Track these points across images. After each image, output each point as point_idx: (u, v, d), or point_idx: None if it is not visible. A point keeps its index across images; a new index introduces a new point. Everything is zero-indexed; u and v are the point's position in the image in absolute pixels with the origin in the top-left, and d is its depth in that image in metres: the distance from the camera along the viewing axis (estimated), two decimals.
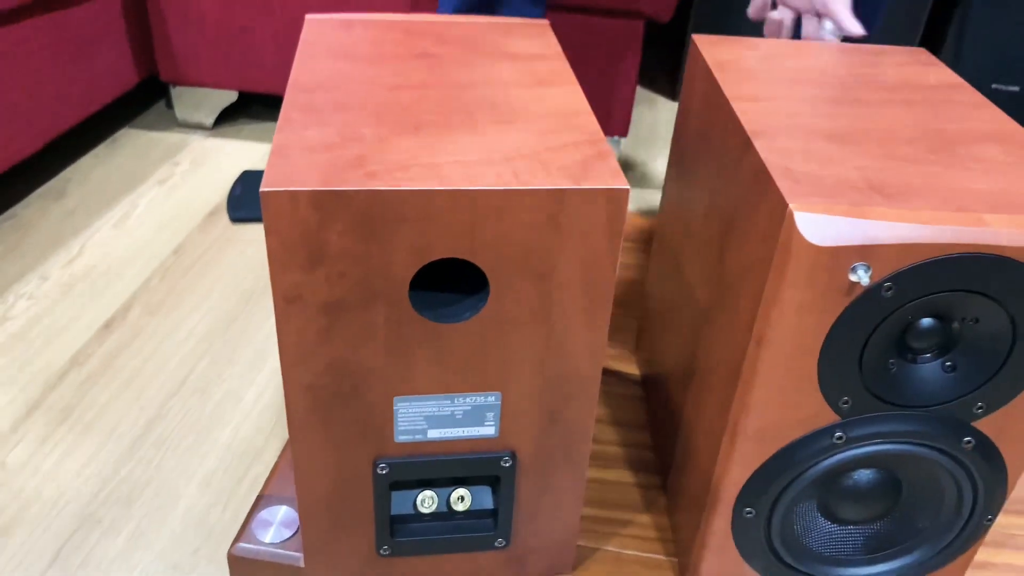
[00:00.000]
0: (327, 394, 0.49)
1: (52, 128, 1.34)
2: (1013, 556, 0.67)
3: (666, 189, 0.72)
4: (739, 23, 1.86)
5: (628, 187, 0.44)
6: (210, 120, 1.64)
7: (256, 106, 1.73)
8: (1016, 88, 1.86)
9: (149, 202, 1.40)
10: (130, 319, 1.12)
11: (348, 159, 0.44)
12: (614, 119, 1.51)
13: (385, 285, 0.44)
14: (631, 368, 0.83)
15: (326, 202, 0.41)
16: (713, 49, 0.62)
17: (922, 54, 0.64)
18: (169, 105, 1.70)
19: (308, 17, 0.63)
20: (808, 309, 0.44)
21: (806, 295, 0.44)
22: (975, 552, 0.57)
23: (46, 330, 1.09)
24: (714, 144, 0.57)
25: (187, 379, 1.03)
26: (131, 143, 1.58)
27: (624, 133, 1.54)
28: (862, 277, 0.42)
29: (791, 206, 0.43)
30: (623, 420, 0.77)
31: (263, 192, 0.41)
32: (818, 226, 0.42)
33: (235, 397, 1.01)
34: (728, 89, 0.56)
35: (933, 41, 1.93)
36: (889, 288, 0.43)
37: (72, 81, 1.37)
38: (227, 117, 1.68)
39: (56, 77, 1.33)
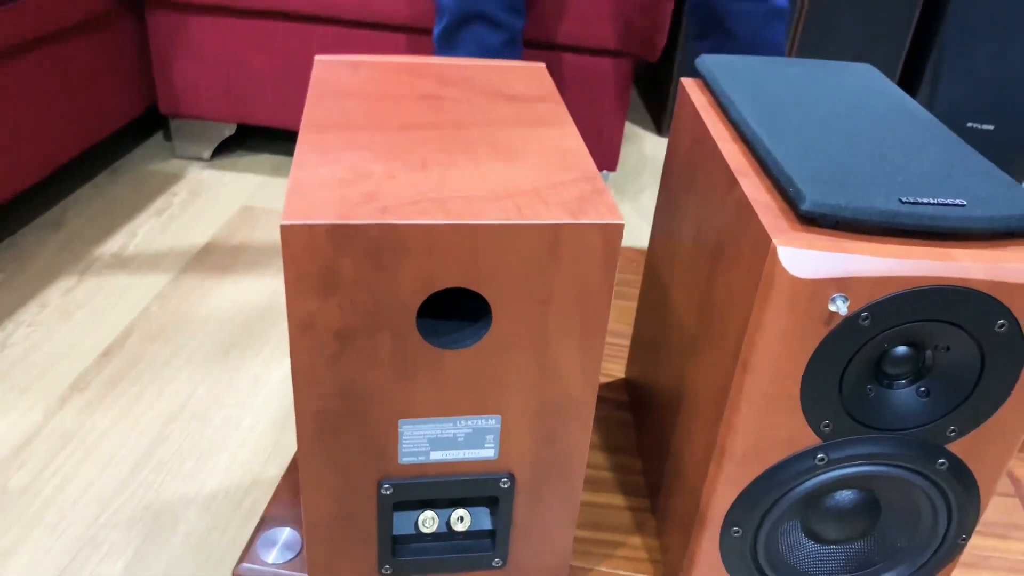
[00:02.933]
0: (336, 417, 0.51)
1: (54, 159, 1.37)
2: None
3: (655, 222, 0.75)
4: None
5: (623, 222, 0.47)
6: (208, 152, 1.67)
7: (253, 139, 1.76)
8: (991, 127, 1.92)
9: (147, 232, 1.42)
10: (129, 346, 1.14)
11: (360, 194, 0.46)
12: (603, 154, 1.56)
13: (393, 313, 0.47)
14: (620, 395, 0.86)
15: (340, 235, 0.44)
16: (699, 93, 0.66)
17: (870, 69, 0.67)
18: (168, 137, 1.74)
19: (317, 58, 0.66)
20: (790, 337, 0.47)
21: (788, 323, 0.47)
22: (951, 571, 0.60)
23: (46, 357, 1.11)
24: (701, 181, 0.61)
25: (186, 405, 1.05)
26: (130, 174, 1.60)
27: (613, 168, 1.58)
28: (840, 307, 0.45)
29: (774, 241, 0.46)
30: (613, 445, 0.80)
31: (283, 226, 0.44)
32: (799, 260, 0.45)
33: (233, 423, 1.03)
34: (714, 130, 0.59)
35: (910, 82, 1.99)
36: (866, 318, 0.46)
37: (74, 113, 1.40)
38: (224, 149, 1.72)
39: (59, 109, 1.36)
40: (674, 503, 0.65)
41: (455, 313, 0.51)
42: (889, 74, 1.95)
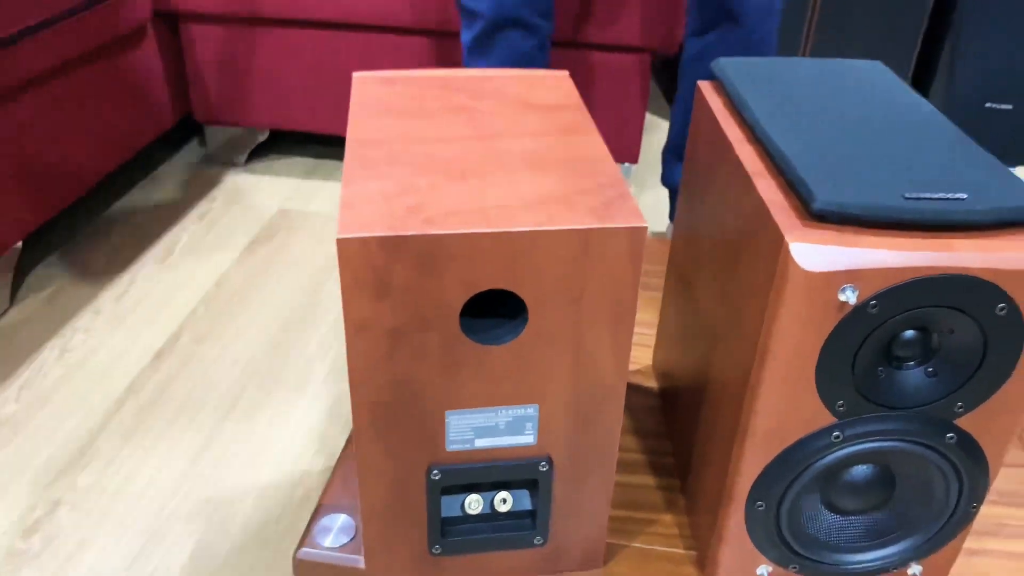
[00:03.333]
0: (389, 409, 0.56)
1: (100, 170, 1.44)
2: (1004, 543, 0.73)
3: (678, 219, 0.80)
4: None
5: (646, 225, 0.51)
6: (242, 158, 1.73)
7: (286, 143, 1.82)
8: (1009, 106, 1.93)
9: (190, 236, 1.48)
10: (179, 348, 1.20)
11: (406, 207, 0.51)
12: (625, 147, 1.59)
13: (439, 313, 0.52)
14: (650, 382, 0.90)
15: (391, 245, 0.49)
16: (715, 95, 0.70)
17: (878, 66, 0.71)
18: (203, 143, 1.80)
19: (355, 75, 0.71)
20: (805, 325, 0.51)
21: (802, 313, 0.51)
22: (965, 538, 0.64)
23: (103, 361, 1.18)
24: (719, 181, 0.65)
25: (237, 402, 1.11)
26: (169, 181, 1.67)
27: (635, 160, 1.61)
28: (850, 297, 0.49)
29: (787, 238, 0.50)
30: (644, 430, 0.84)
31: (339, 239, 0.48)
32: (811, 255, 0.49)
33: (282, 418, 1.08)
34: (730, 133, 0.63)
35: (928, 63, 2.00)
36: (874, 306, 0.50)
37: (117, 124, 1.47)
38: (258, 154, 1.78)
39: (103, 121, 1.43)
40: (702, 482, 0.69)
41: (495, 312, 0.56)
42: (906, 58, 1.97)
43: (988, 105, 1.93)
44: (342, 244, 0.49)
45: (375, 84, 0.69)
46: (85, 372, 1.15)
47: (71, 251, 1.42)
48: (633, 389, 0.90)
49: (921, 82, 2.03)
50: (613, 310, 0.53)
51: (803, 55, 1.98)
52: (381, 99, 0.66)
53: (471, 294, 0.51)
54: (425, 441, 0.58)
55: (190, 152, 1.79)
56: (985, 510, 0.76)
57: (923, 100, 0.65)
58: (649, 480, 0.78)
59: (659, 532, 0.73)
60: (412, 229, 0.49)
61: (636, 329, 0.99)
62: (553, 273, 0.52)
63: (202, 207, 1.58)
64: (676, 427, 0.80)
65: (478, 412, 0.57)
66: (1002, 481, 0.80)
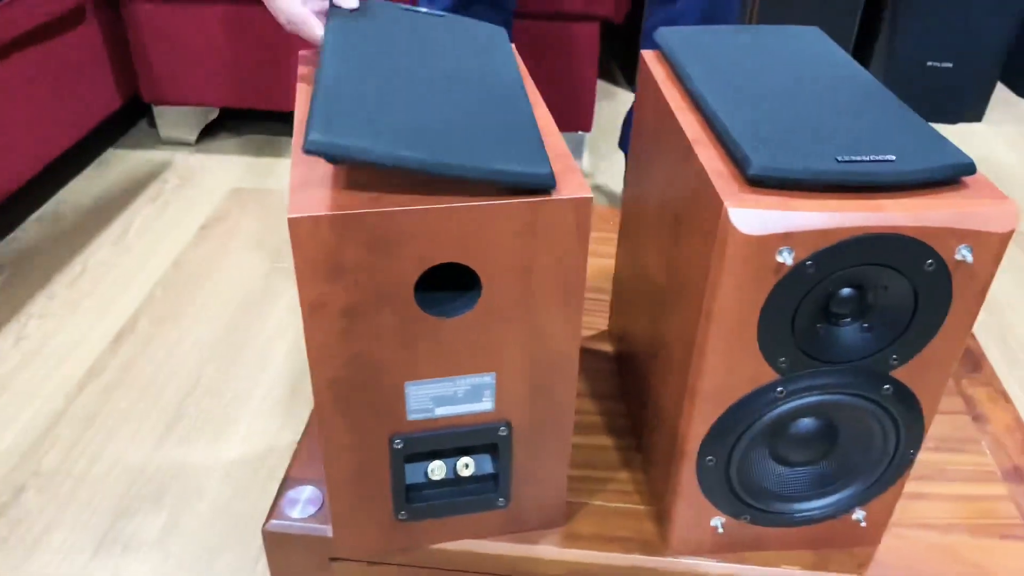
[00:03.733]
0: (348, 385, 0.57)
1: (45, 154, 1.42)
2: (943, 487, 0.77)
3: (627, 186, 0.81)
4: None
5: (591, 196, 0.53)
6: (193, 136, 1.71)
7: (236, 121, 1.80)
8: (950, 64, 1.97)
9: (144, 219, 1.47)
10: (139, 330, 1.20)
11: (356, 185, 0.52)
12: (578, 116, 1.61)
13: (394, 290, 0.53)
14: (605, 346, 0.93)
15: (342, 224, 0.50)
16: (659, 65, 0.72)
17: (816, 32, 0.73)
18: (152, 124, 1.77)
19: (301, 53, 0.71)
20: (745, 287, 0.54)
21: (742, 276, 0.53)
22: (904, 483, 0.67)
23: (60, 346, 1.17)
24: (663, 149, 0.67)
25: (198, 382, 1.11)
26: (119, 163, 1.65)
27: (588, 128, 1.63)
28: (786, 258, 0.52)
29: (725, 204, 0.52)
30: (600, 392, 0.87)
31: (291, 219, 0.49)
32: (748, 219, 0.52)
33: (244, 395, 1.09)
34: (673, 102, 0.65)
35: (871, 25, 2.04)
36: (811, 266, 0.53)
37: (61, 108, 1.44)
38: (209, 133, 1.76)
39: (45, 105, 1.40)
40: (655, 440, 0.72)
41: (450, 284, 0.57)
42: (849, 20, 1.99)
43: (930, 64, 1.98)
44: (294, 224, 0.50)
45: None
46: (43, 358, 1.14)
47: (19, 238, 1.41)
48: (590, 354, 0.92)
49: (864, 43, 2.06)
50: (563, 279, 0.55)
51: (749, 22, 2.00)
52: None
53: (424, 269, 0.53)
54: (386, 412, 0.60)
55: (140, 134, 1.76)
56: (925, 456, 0.80)
57: (857, 65, 0.68)
58: (607, 441, 0.81)
59: (617, 489, 0.76)
60: (363, 207, 0.50)
61: (592, 295, 1.01)
62: (503, 245, 0.53)
63: (154, 189, 1.56)
64: (630, 389, 0.82)
65: (436, 382, 0.59)
66: (943, 428, 0.84)
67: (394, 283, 0.53)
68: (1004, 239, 0.53)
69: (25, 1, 1.29)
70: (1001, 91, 2.28)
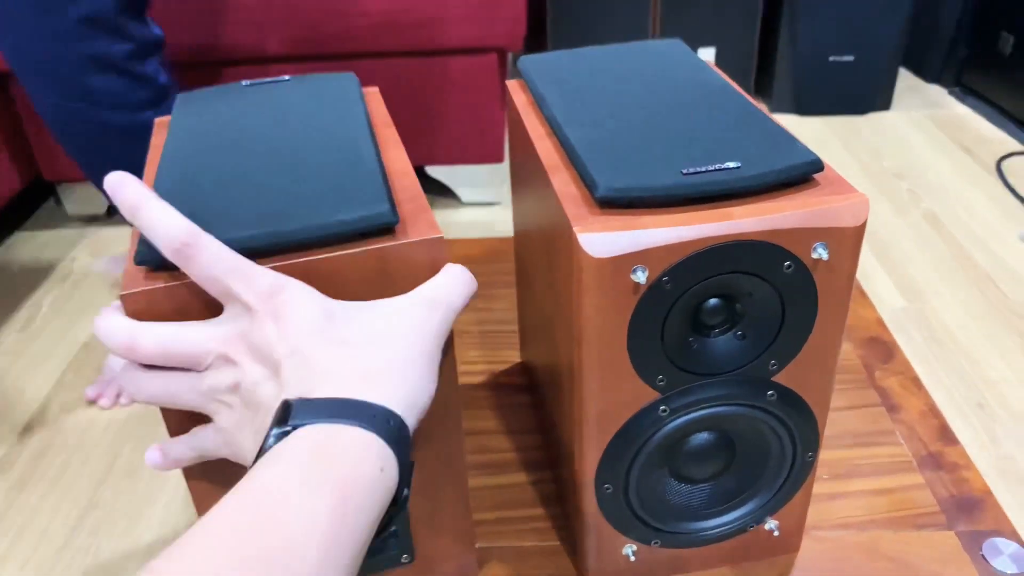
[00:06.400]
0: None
1: None
2: (860, 483, 0.77)
3: (514, 215, 0.81)
4: (597, 35, 1.97)
5: (442, 235, 0.51)
6: (102, 209, 1.68)
7: None
8: (851, 58, 2.01)
9: (53, 300, 1.43)
10: (49, 418, 1.16)
11: None
12: (487, 147, 1.60)
13: None
14: (518, 378, 0.91)
15: (176, 294, 0.48)
16: (520, 93, 0.71)
17: (676, 44, 0.73)
18: (59, 202, 1.73)
19: (157, 121, 0.69)
20: (607, 309, 0.53)
21: (601, 298, 0.52)
22: (811, 486, 0.66)
23: None
24: (530, 176, 0.66)
25: (114, 465, 1.07)
26: (26, 246, 1.61)
27: (499, 159, 1.63)
28: (640, 277, 0.51)
29: (574, 228, 0.51)
30: (515, 428, 0.85)
31: (122, 296, 0.47)
32: (597, 242, 0.51)
33: (161, 475, 1.05)
34: (532, 130, 0.64)
35: (772, 24, 2.08)
36: (667, 282, 0.52)
37: None
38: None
39: None
40: (562, 472, 0.70)
41: None
42: (750, 16, 2.02)
43: (832, 58, 2.01)
44: (125, 301, 0.48)
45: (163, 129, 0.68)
46: None
47: None
48: (504, 388, 0.90)
49: (767, 43, 2.10)
50: None
51: (652, 26, 2.02)
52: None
53: None
54: None
55: (47, 213, 1.72)
56: (840, 454, 0.80)
57: (713, 72, 0.68)
58: (522, 477, 0.79)
59: (535, 527, 0.74)
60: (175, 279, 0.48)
61: (504, 327, 1.00)
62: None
63: (64, 268, 1.52)
64: (542, 421, 0.81)
65: None
66: (857, 423, 0.83)
67: None
68: (858, 232, 0.53)
69: None
70: (909, 78, 2.33)
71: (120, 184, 0.47)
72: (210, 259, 0.46)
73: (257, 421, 0.46)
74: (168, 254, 0.46)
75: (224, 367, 0.47)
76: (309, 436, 0.42)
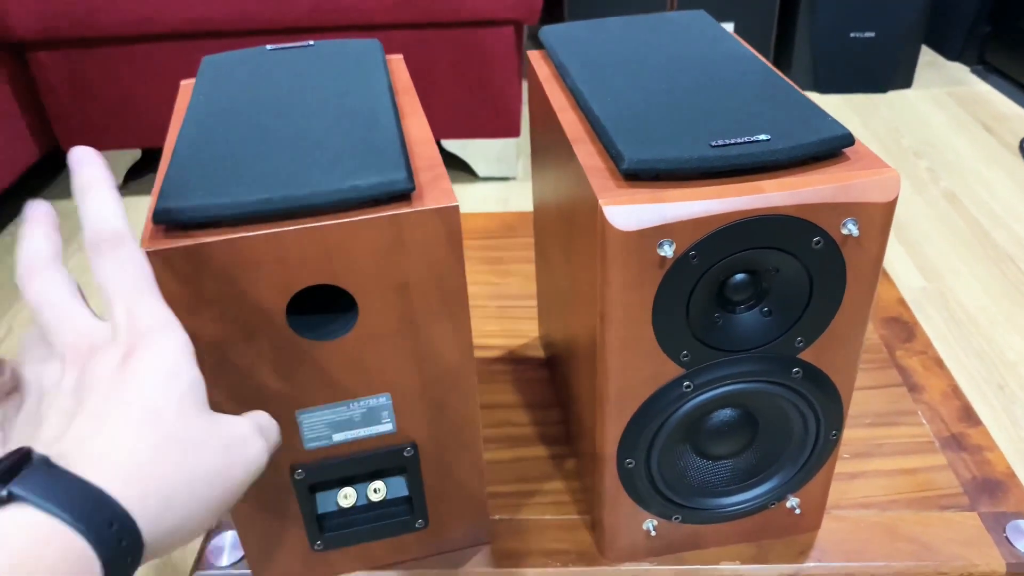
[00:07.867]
0: None
1: None
2: (880, 463, 0.76)
3: (533, 189, 0.80)
4: (615, 7, 1.95)
5: (458, 204, 0.51)
6: (118, 180, 1.68)
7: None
8: (872, 34, 1.98)
9: (71, 269, 1.43)
10: None
11: None
12: (504, 121, 1.59)
13: (262, 318, 0.51)
14: (537, 352, 0.91)
15: (194, 255, 0.48)
16: (543, 64, 0.70)
17: (701, 15, 0.72)
18: None
19: (183, 83, 0.69)
20: (632, 284, 0.52)
21: (627, 273, 0.51)
22: (834, 465, 0.66)
23: None
24: (551, 150, 0.65)
25: None
26: None
27: (516, 133, 1.61)
28: (667, 251, 0.50)
29: (600, 201, 0.50)
30: (533, 402, 0.85)
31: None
32: (624, 215, 0.50)
33: None
34: (555, 101, 0.63)
35: (792, 1, 2.04)
36: (694, 256, 0.51)
37: None
38: (136, 174, 1.72)
39: None
40: (581, 447, 0.70)
41: (330, 304, 0.55)
42: None
43: (852, 35, 1.98)
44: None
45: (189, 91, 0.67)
46: None
47: None
48: (522, 362, 0.90)
49: (786, 18, 2.07)
50: (442, 292, 0.53)
51: (670, 3, 1.99)
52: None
53: (290, 294, 0.50)
54: (282, 444, 0.57)
55: (65, 183, 1.72)
56: (862, 433, 0.79)
57: (740, 44, 0.66)
58: (541, 451, 0.79)
59: (551, 501, 0.74)
60: (212, 236, 0.48)
61: (522, 302, 0.99)
62: (372, 262, 0.51)
63: (82, 237, 1.52)
64: (560, 395, 0.81)
65: (329, 408, 0.57)
66: (879, 402, 0.83)
67: (261, 311, 0.51)
68: (888, 208, 0.52)
69: None
70: (930, 55, 2.30)
71: (81, 162, 0.43)
72: (123, 264, 0.42)
73: (30, 428, 0.41)
74: (88, 242, 0.42)
75: (56, 363, 0.41)
76: (14, 536, 0.33)
